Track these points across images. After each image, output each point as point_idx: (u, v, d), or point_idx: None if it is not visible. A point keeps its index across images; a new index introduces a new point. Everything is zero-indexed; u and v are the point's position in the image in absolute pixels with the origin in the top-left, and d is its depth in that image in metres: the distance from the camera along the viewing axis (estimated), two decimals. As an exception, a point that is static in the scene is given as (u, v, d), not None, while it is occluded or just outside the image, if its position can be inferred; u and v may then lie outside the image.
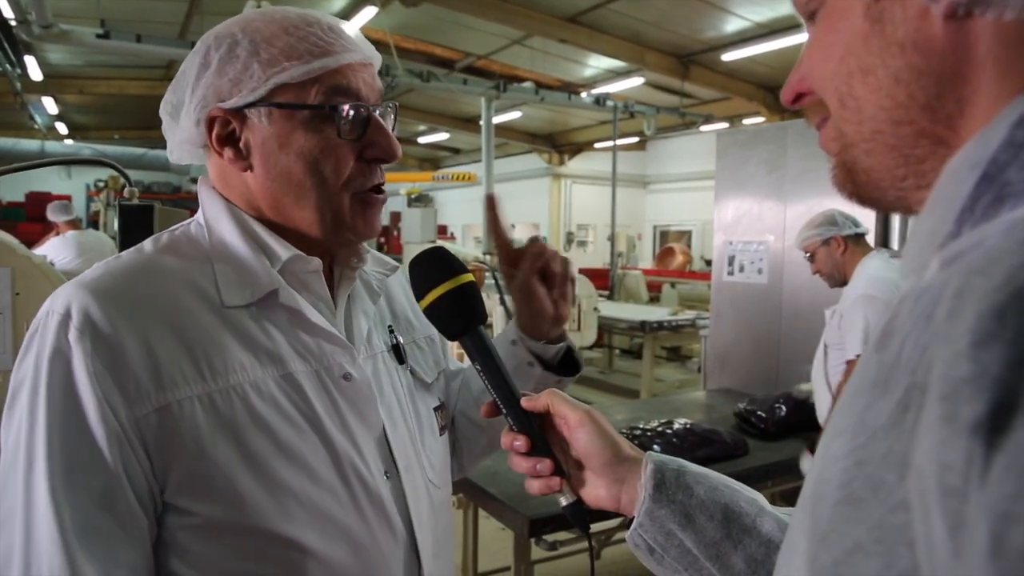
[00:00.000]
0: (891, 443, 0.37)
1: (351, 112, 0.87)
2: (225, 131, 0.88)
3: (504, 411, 0.84)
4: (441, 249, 0.90)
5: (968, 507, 0.28)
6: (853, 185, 0.50)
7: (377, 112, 0.91)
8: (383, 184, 0.94)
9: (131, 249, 0.91)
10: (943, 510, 0.30)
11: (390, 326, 1.05)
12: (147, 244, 0.91)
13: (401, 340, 1.04)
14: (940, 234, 0.40)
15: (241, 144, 0.88)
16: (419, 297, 0.87)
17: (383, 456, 0.93)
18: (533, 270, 1.04)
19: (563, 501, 0.82)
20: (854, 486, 0.39)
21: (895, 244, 3.88)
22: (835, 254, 2.82)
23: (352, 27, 0.92)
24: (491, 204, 1.09)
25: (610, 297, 10.26)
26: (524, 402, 0.84)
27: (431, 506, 0.98)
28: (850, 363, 2.58)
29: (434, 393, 1.09)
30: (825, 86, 0.49)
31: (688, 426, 2.98)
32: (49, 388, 0.76)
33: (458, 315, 0.86)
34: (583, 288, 6.05)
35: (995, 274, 0.32)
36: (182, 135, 0.91)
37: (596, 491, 0.81)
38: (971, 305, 0.32)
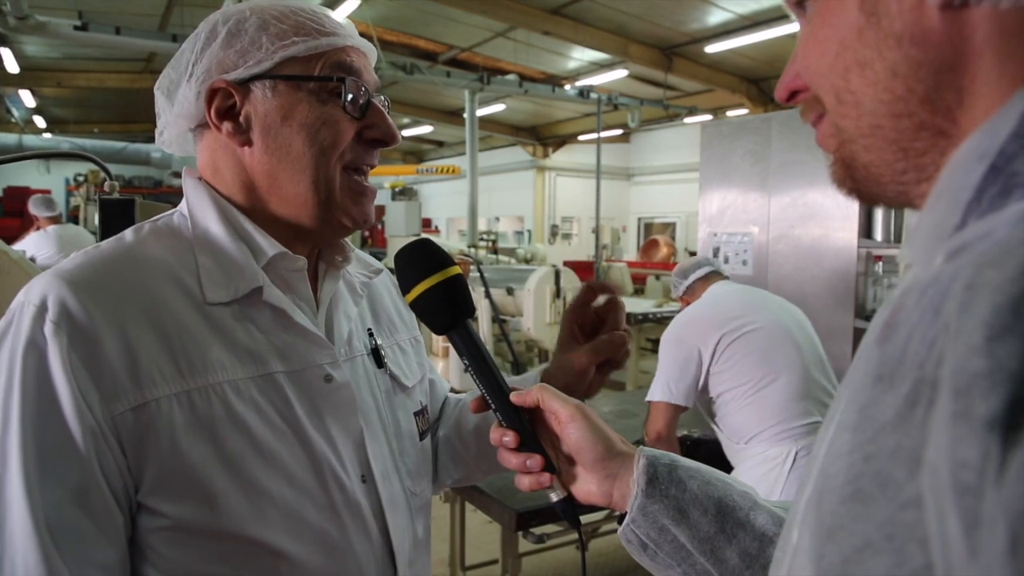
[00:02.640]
0: (899, 438, 0.36)
1: (355, 88, 0.88)
2: (225, 104, 0.87)
3: (493, 406, 0.83)
4: (428, 241, 0.88)
5: (985, 505, 0.28)
6: (853, 181, 0.49)
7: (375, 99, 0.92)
8: (374, 165, 0.93)
9: (111, 239, 0.88)
10: (959, 508, 0.29)
11: (369, 329, 1.02)
12: (128, 234, 0.89)
13: (380, 343, 1.02)
14: (947, 226, 0.39)
15: (241, 118, 0.87)
16: (405, 291, 0.85)
17: (360, 461, 0.91)
18: (597, 358, 1.01)
19: (553, 497, 0.82)
20: (861, 482, 0.38)
21: (878, 236, 3.90)
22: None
23: (339, 17, 0.92)
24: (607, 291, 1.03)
25: (595, 289, 10.25)
26: (513, 397, 0.83)
27: (409, 513, 0.96)
28: (650, 406, 2.61)
29: (415, 397, 1.06)
30: (821, 82, 0.48)
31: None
32: (23, 383, 0.74)
33: (446, 309, 0.84)
34: (568, 281, 6.05)
35: (1009, 266, 0.31)
36: (179, 109, 0.89)
37: (587, 487, 0.80)
38: (985, 298, 0.31)
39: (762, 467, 2.42)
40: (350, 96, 0.88)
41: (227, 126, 0.87)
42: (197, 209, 0.90)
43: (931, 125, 0.43)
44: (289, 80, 0.86)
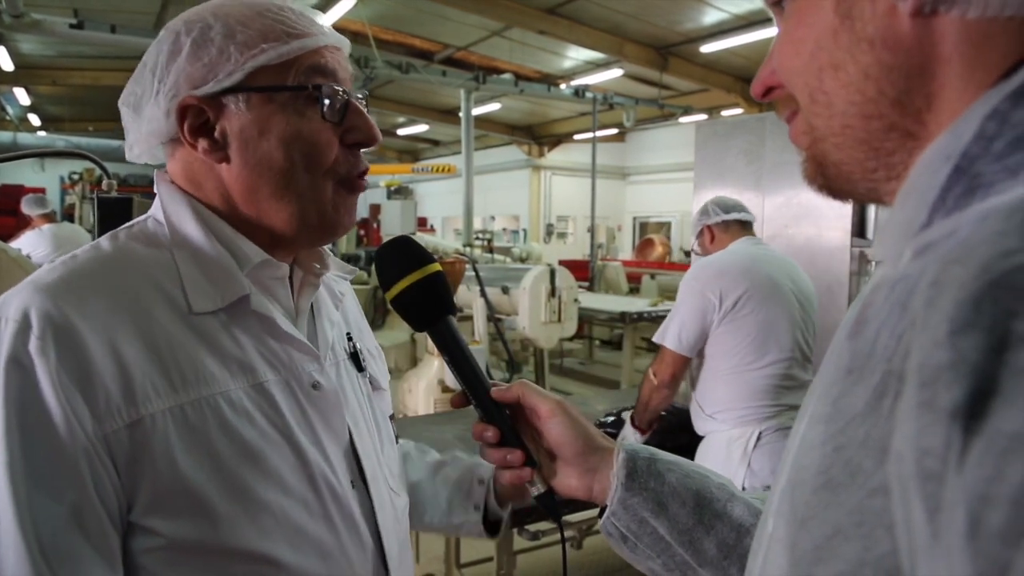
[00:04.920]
0: (868, 429, 0.38)
1: (331, 93, 0.85)
2: (198, 121, 0.82)
3: (473, 402, 0.85)
4: (407, 239, 0.88)
5: (946, 490, 0.29)
6: (823, 178, 0.51)
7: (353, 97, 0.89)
8: (367, 171, 0.91)
9: (87, 247, 0.84)
10: (922, 494, 0.30)
11: (348, 333, 1.02)
12: (104, 243, 0.85)
13: (360, 347, 1.02)
14: (914, 224, 0.41)
15: (216, 134, 0.83)
16: (386, 288, 0.85)
17: (349, 466, 0.91)
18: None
19: (534, 491, 0.84)
20: (833, 472, 0.40)
21: (871, 234, 3.92)
22: (705, 244, 2.77)
23: (329, 19, 0.89)
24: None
25: (590, 288, 10.28)
26: (494, 393, 0.84)
27: (394, 514, 0.97)
28: (661, 348, 2.62)
29: (388, 400, 1.07)
30: (795, 80, 0.50)
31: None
32: (7, 403, 0.69)
33: (426, 306, 0.85)
34: (564, 279, 6.06)
35: (971, 263, 0.33)
36: (149, 127, 0.85)
37: (568, 481, 0.82)
38: (948, 294, 0.33)
39: (727, 445, 2.52)
40: (327, 102, 0.84)
41: (203, 143, 0.83)
42: (175, 215, 0.86)
43: (900, 127, 0.45)
44: (262, 92, 0.82)
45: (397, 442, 1.07)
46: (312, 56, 0.84)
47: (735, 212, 2.71)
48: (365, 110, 0.90)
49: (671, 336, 2.57)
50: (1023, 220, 0.33)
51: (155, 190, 0.89)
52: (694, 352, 2.56)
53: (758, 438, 2.47)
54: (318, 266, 0.94)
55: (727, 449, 2.50)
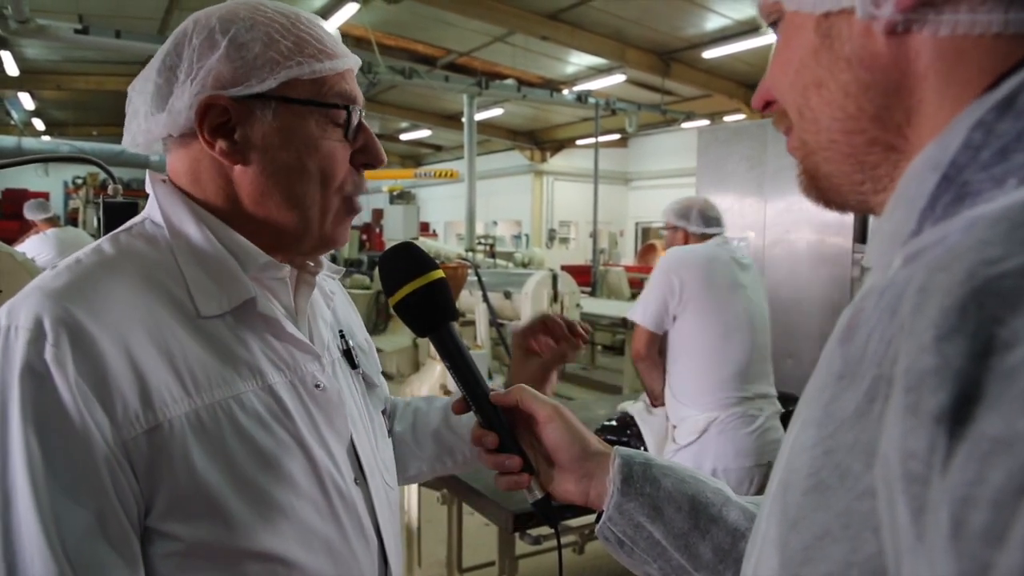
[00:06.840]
0: (858, 433, 0.39)
1: (355, 116, 0.87)
2: (219, 120, 0.82)
3: (473, 407, 0.86)
4: (411, 245, 0.90)
5: (931, 492, 0.30)
6: (817, 191, 0.52)
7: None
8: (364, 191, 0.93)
9: (88, 251, 0.83)
10: (907, 496, 0.31)
11: (341, 331, 1.03)
12: (105, 246, 0.83)
13: (352, 344, 1.03)
14: (903, 232, 0.42)
15: (236, 136, 0.82)
16: (389, 294, 0.86)
17: (352, 462, 0.92)
18: (549, 370, 1.19)
19: (532, 497, 0.84)
20: (823, 474, 0.40)
21: (873, 240, 3.92)
22: (677, 242, 2.93)
23: (332, 24, 0.91)
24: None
25: (592, 293, 10.28)
26: (493, 396, 0.85)
27: (390, 508, 0.98)
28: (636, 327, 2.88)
29: (380, 396, 1.08)
30: (785, 97, 0.52)
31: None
32: (23, 413, 0.68)
33: (428, 312, 0.86)
34: (566, 285, 6.07)
35: (957, 270, 0.33)
36: (169, 118, 0.83)
37: (565, 486, 0.82)
38: (934, 300, 0.33)
39: (695, 430, 2.70)
40: (351, 123, 0.87)
41: (221, 144, 0.82)
42: (174, 216, 0.84)
43: (882, 141, 0.46)
44: (291, 103, 0.83)
45: (389, 436, 1.09)
46: (338, 79, 0.86)
47: (714, 228, 2.89)
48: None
49: (638, 309, 2.85)
50: (1007, 228, 0.34)
51: (148, 190, 0.88)
52: (659, 328, 2.79)
53: (721, 424, 2.67)
54: (312, 264, 0.95)
55: (693, 433, 2.70)
